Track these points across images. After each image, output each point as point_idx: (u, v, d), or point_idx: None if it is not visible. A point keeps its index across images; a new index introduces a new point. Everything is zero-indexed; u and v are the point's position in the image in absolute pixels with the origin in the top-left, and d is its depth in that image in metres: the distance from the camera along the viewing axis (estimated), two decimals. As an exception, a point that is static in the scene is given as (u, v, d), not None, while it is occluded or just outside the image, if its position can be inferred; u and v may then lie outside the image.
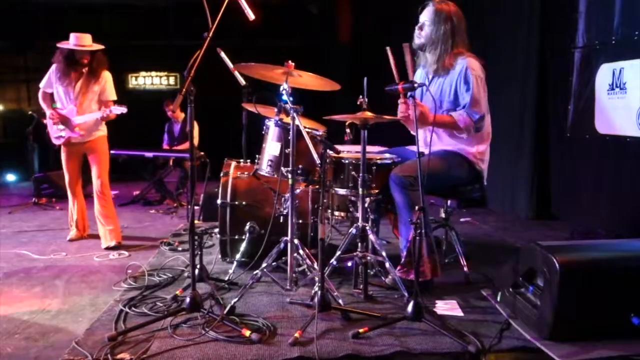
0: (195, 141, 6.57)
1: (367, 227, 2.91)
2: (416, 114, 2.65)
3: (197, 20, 2.70)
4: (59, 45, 4.08)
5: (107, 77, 4.22)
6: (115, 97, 4.24)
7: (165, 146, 6.94)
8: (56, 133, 4.18)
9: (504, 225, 4.90)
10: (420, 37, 3.19)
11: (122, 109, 4.06)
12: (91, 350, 2.26)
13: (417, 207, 2.46)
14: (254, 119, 3.27)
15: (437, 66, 3.16)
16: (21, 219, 5.32)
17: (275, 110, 2.89)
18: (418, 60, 3.29)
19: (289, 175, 2.81)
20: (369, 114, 2.82)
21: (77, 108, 4.10)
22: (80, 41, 4.03)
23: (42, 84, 4.24)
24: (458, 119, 3.06)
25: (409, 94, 2.76)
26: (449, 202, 3.40)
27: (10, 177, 8.23)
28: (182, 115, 6.80)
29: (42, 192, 6.38)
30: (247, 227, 3.33)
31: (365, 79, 2.98)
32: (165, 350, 2.27)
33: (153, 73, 9.82)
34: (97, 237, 4.27)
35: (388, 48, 2.90)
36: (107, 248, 4.06)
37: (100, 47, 4.15)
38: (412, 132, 3.34)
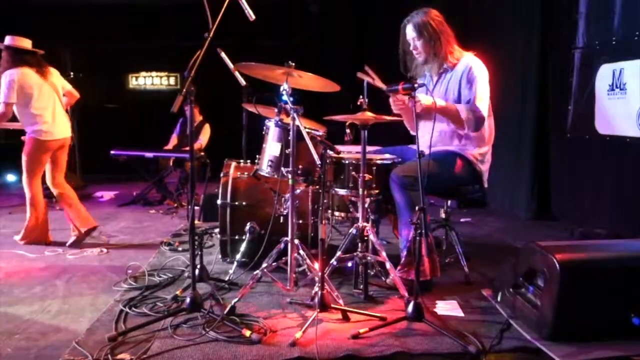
0: (204, 143, 6.55)
1: (368, 228, 2.91)
2: (415, 110, 2.65)
3: (197, 20, 2.70)
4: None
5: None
6: None
7: (173, 137, 6.86)
8: None
9: (504, 226, 4.90)
10: (420, 54, 3.22)
11: None
12: (91, 350, 2.26)
13: (417, 208, 2.47)
14: (254, 119, 3.28)
15: (443, 64, 3.18)
16: (21, 219, 5.29)
17: (276, 110, 2.89)
18: (421, 69, 3.31)
19: (289, 176, 2.82)
20: (369, 114, 2.82)
21: None
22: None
23: None
24: (460, 109, 3.07)
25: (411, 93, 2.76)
26: (449, 202, 3.40)
27: (11, 178, 8.22)
28: (200, 117, 6.72)
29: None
30: (247, 227, 3.33)
31: (366, 79, 2.98)
32: (166, 350, 2.27)
33: (153, 73, 9.82)
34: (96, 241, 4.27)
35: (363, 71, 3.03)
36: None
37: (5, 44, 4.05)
38: (411, 132, 3.35)
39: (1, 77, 4.01)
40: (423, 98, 2.93)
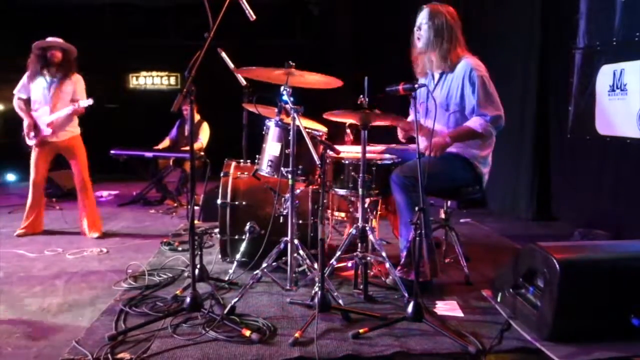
0: (204, 142, 6.54)
1: (367, 228, 2.91)
2: (417, 118, 2.65)
3: (197, 20, 2.72)
4: (34, 43, 4.35)
5: (78, 79, 4.51)
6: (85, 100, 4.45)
7: (166, 139, 6.83)
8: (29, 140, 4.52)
9: (504, 226, 4.90)
10: (420, 37, 3.17)
11: (89, 101, 4.38)
12: (91, 349, 2.26)
13: (417, 208, 2.47)
14: (254, 119, 3.28)
15: (443, 64, 3.14)
16: (21, 219, 5.31)
17: (276, 110, 2.89)
18: (421, 67, 3.28)
19: (289, 176, 2.81)
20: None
21: (50, 108, 4.38)
22: (52, 39, 4.38)
23: (16, 90, 4.53)
24: (474, 126, 3.04)
25: (411, 94, 2.75)
26: (448, 202, 3.40)
27: (10, 177, 8.21)
28: (197, 116, 6.69)
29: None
30: (247, 227, 3.33)
31: (366, 78, 2.98)
32: (166, 350, 2.27)
33: (154, 73, 9.83)
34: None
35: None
36: (96, 237, 4.42)
37: (71, 47, 4.45)
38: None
39: (77, 79, 4.49)
40: (437, 143, 2.93)
